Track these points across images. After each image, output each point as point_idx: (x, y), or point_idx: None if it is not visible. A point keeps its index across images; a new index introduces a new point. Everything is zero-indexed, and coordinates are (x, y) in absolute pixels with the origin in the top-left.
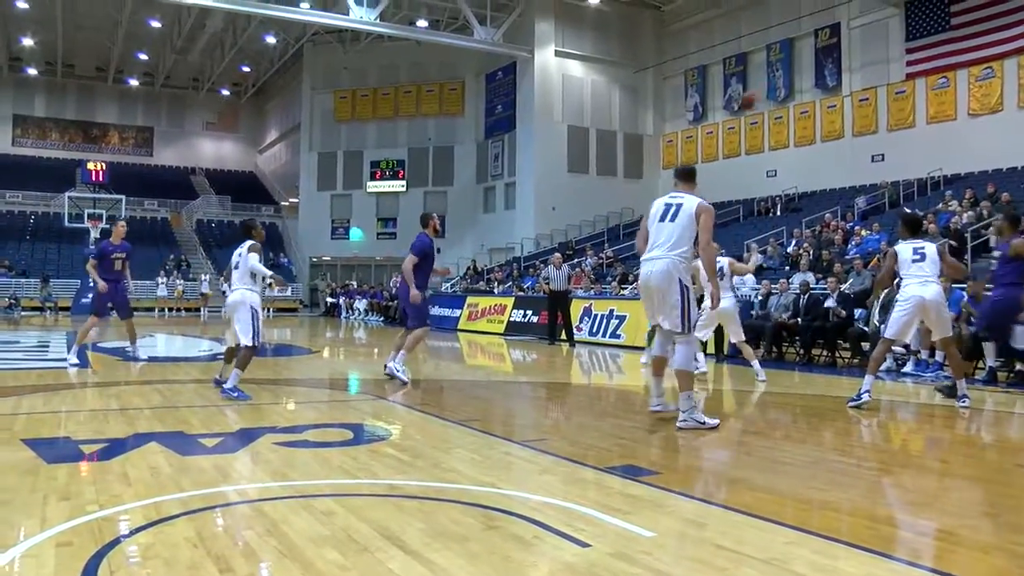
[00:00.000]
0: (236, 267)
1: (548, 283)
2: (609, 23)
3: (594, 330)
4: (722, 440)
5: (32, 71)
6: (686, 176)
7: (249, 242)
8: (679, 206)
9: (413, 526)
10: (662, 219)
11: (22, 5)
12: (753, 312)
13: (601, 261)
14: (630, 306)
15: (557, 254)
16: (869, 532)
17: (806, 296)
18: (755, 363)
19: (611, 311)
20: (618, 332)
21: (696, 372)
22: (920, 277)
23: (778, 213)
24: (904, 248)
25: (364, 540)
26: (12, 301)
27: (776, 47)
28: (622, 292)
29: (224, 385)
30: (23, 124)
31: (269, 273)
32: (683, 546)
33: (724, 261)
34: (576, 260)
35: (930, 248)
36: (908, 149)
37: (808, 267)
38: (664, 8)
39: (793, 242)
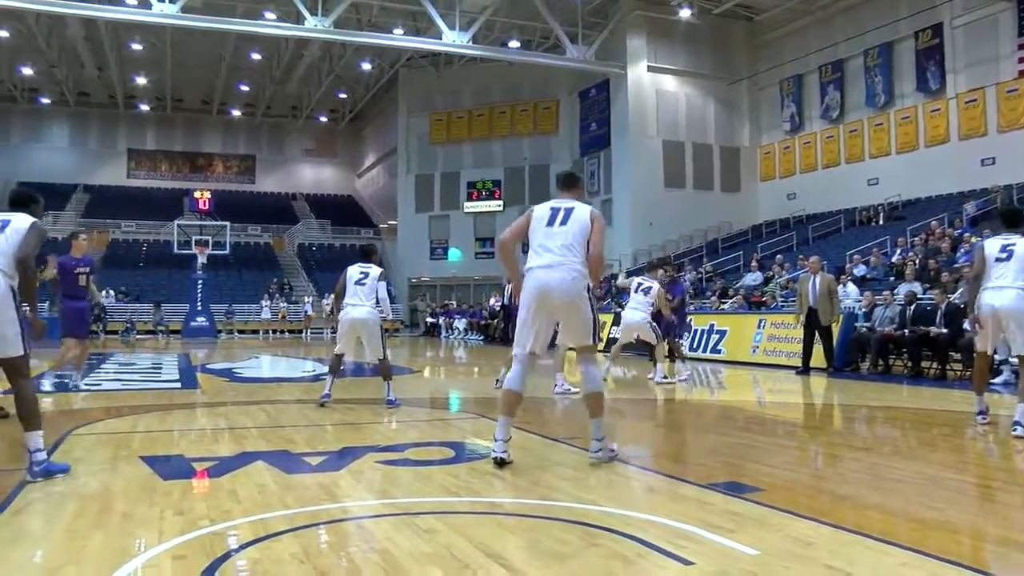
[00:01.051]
0: (359, 284)
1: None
2: (701, 36)
3: (694, 345)
4: (828, 456)
5: (144, 107)
6: (572, 183)
7: (379, 269)
8: (569, 211)
9: (514, 544)
10: (550, 223)
11: (136, 47)
12: (857, 324)
13: (700, 276)
14: (730, 320)
15: (659, 270)
16: (990, 555)
17: (912, 307)
18: (659, 366)
19: (711, 326)
20: (719, 347)
21: (678, 381)
22: (998, 280)
23: (881, 222)
24: (991, 244)
25: (466, 557)
26: (128, 325)
27: (874, 52)
28: (722, 306)
29: (388, 398)
30: (136, 157)
31: (391, 311)
32: (789, 565)
33: (653, 284)
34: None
35: (1021, 245)
36: (1022, 151)
37: (914, 276)
38: (756, 18)
39: (897, 251)
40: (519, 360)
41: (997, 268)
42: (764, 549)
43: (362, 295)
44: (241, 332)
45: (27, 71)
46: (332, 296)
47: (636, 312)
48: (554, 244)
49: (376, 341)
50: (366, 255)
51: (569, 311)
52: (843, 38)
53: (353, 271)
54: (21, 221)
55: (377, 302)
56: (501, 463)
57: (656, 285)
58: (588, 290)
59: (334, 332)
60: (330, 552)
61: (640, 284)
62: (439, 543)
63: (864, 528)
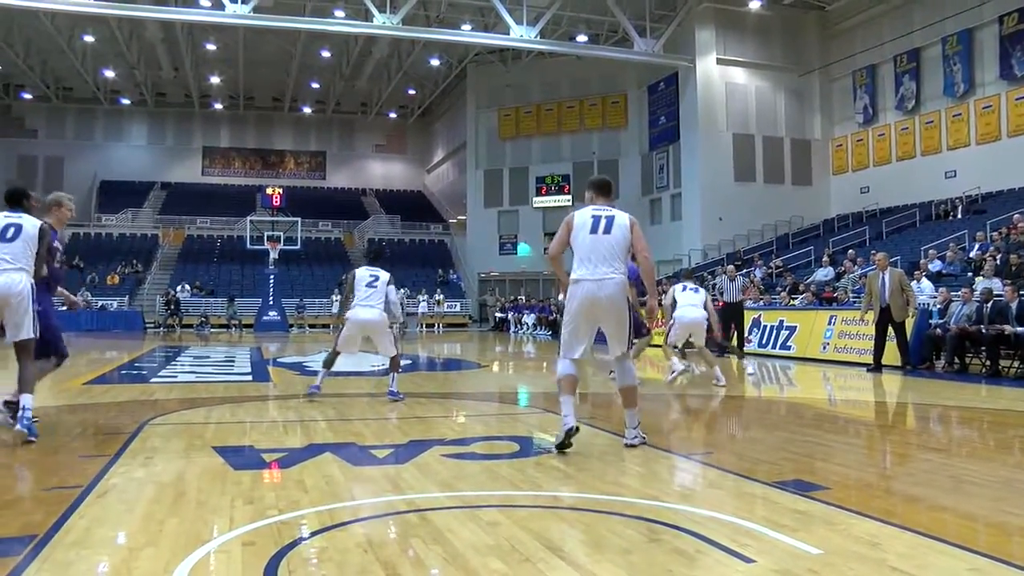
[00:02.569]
0: (369, 286)
1: (722, 295)
2: (771, 27)
3: (764, 341)
4: (900, 456)
5: (218, 106)
6: (608, 189)
7: (388, 274)
8: (610, 219)
9: (576, 537)
10: (593, 231)
11: (210, 47)
12: (932, 322)
13: (771, 271)
14: (801, 316)
15: (730, 265)
16: None
17: (989, 304)
18: (715, 369)
19: (781, 322)
20: (788, 343)
21: (686, 372)
22: None
23: (959, 216)
24: None
25: (527, 550)
26: (203, 319)
27: (953, 39)
28: (792, 303)
29: (391, 389)
30: (210, 155)
31: (400, 314)
32: (853, 566)
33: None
34: (745, 270)
35: None
36: None
37: (993, 272)
38: (828, 8)
39: (976, 246)
40: (566, 360)
41: None
42: (828, 549)
43: (373, 297)
44: (312, 326)
45: (109, 73)
46: (340, 297)
47: (695, 309)
48: (599, 255)
49: (387, 340)
50: (376, 257)
51: (614, 320)
52: (920, 26)
53: (362, 273)
54: (32, 226)
55: (387, 305)
56: (576, 430)
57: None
58: (628, 301)
59: (338, 330)
60: (394, 542)
61: (686, 287)
62: (501, 536)
63: (933, 530)
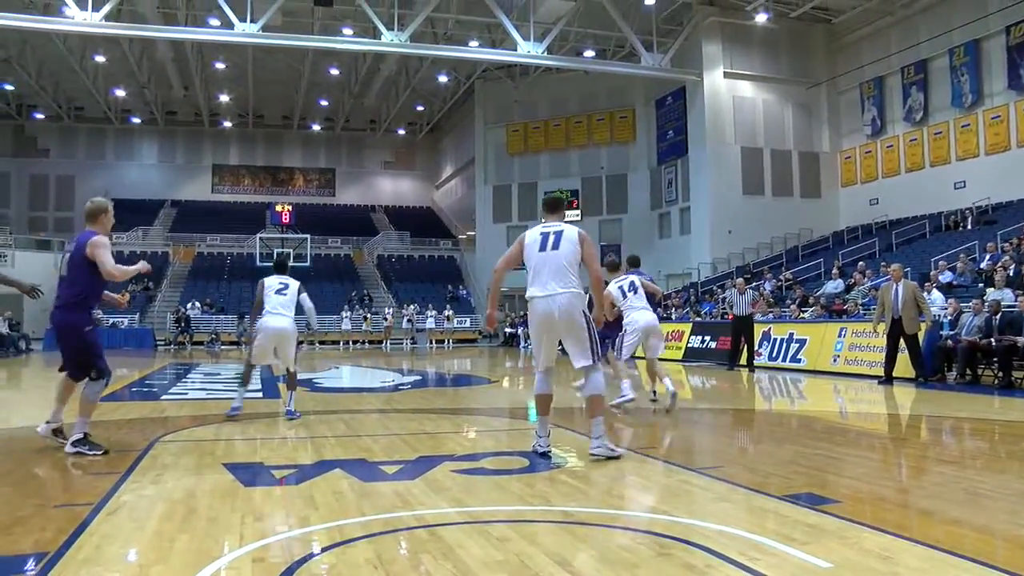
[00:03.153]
0: (279, 294)
1: (731, 308)
2: (778, 40)
3: (774, 354)
4: (912, 469)
5: (228, 124)
6: (556, 206)
7: (297, 282)
8: (559, 234)
9: (585, 553)
10: (542, 248)
11: (220, 66)
12: (942, 333)
13: (780, 284)
14: (811, 329)
15: (740, 279)
16: None
17: (998, 316)
18: (666, 380)
19: (791, 335)
20: (799, 356)
21: (623, 401)
22: None
23: (969, 227)
24: None
25: (537, 566)
26: (213, 336)
27: (960, 50)
28: (802, 315)
29: (288, 408)
30: (220, 172)
31: (316, 322)
32: None
33: (635, 279)
34: (755, 284)
35: None
36: None
37: (1004, 283)
38: (835, 21)
39: (987, 257)
40: (542, 373)
41: None
42: (839, 562)
43: (284, 306)
44: (322, 343)
45: (120, 93)
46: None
47: (647, 312)
48: (549, 271)
49: (290, 351)
50: (281, 268)
51: (570, 334)
52: (926, 37)
53: (272, 282)
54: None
55: (301, 313)
56: (545, 455)
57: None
58: (584, 313)
59: (249, 345)
60: (403, 558)
61: (620, 286)
62: (511, 551)
63: (946, 544)
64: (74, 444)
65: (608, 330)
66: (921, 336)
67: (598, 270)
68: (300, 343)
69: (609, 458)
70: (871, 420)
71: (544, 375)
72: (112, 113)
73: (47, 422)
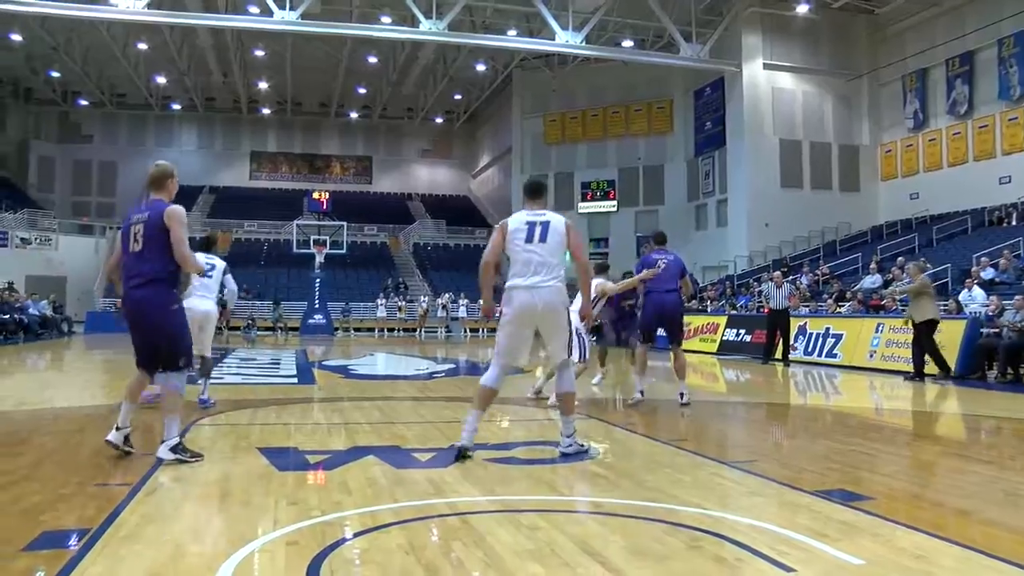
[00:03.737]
0: (206, 275)
1: (768, 301)
2: (819, 31)
3: (809, 349)
4: (949, 468)
5: (266, 111)
6: (537, 192)
7: (223, 263)
8: (545, 224)
9: (615, 543)
10: (528, 239)
11: (259, 53)
12: (983, 330)
13: (817, 278)
14: (847, 324)
15: (777, 272)
16: None
17: None
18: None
19: (827, 329)
20: (835, 351)
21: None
22: None
23: (1013, 222)
24: None
25: (566, 555)
26: (249, 322)
27: (1009, 41)
28: (839, 310)
29: (202, 397)
30: (258, 159)
31: (234, 302)
32: None
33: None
34: (791, 277)
35: None
36: None
37: None
38: (878, 11)
39: None
40: (501, 367)
41: None
42: (870, 559)
43: (209, 287)
44: (357, 330)
45: (161, 80)
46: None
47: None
48: (534, 262)
49: (210, 335)
50: (209, 246)
51: (550, 327)
52: (973, 28)
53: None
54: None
55: (223, 293)
56: (464, 453)
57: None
58: (566, 308)
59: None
60: (435, 545)
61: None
62: (541, 540)
63: (984, 546)
64: (173, 450)
65: (622, 320)
66: (956, 334)
67: (586, 261)
68: (234, 327)
69: (578, 453)
70: (907, 417)
71: (501, 370)
72: (153, 100)
73: (117, 428)
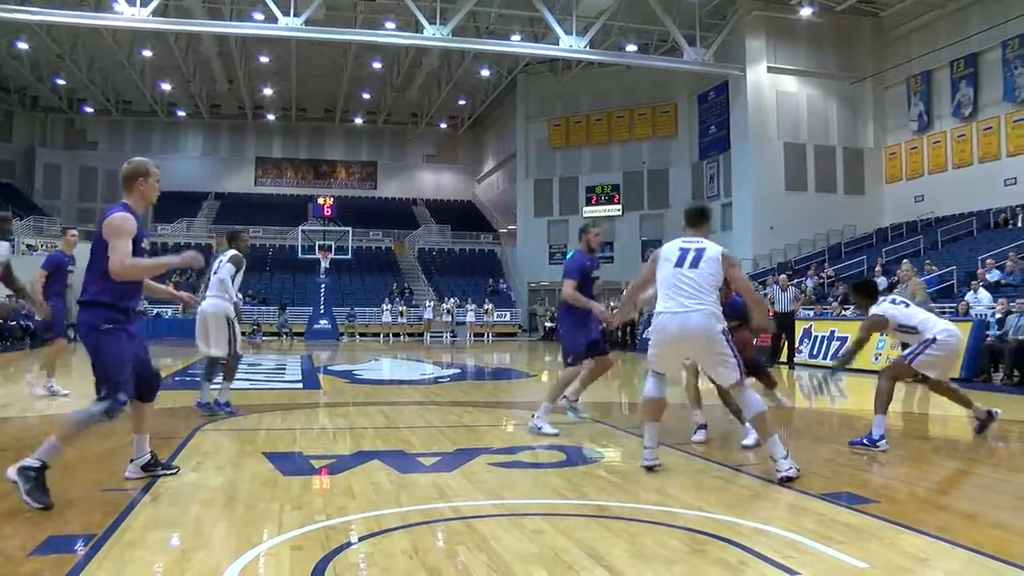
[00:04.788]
0: (214, 273)
1: (773, 304)
2: (823, 34)
3: (814, 352)
4: (955, 472)
5: (271, 117)
6: (699, 220)
7: (231, 252)
8: (700, 251)
9: (619, 547)
10: (679, 264)
11: (263, 60)
12: (988, 333)
13: (822, 281)
14: (852, 327)
15: (783, 275)
16: None
17: None
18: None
19: (832, 332)
20: (840, 354)
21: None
22: None
23: (1019, 224)
24: None
25: (570, 559)
26: (254, 327)
27: (1015, 42)
28: (844, 313)
29: (220, 401)
30: (263, 165)
31: (235, 294)
32: None
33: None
34: (796, 280)
35: None
36: None
37: None
38: (882, 14)
39: None
40: (654, 376)
41: None
42: (875, 563)
43: (213, 286)
44: (362, 335)
45: (166, 86)
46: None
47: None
48: (683, 288)
49: (220, 334)
50: (231, 240)
51: (705, 353)
52: (977, 30)
53: (213, 264)
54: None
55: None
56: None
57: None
58: (723, 331)
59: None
60: (439, 549)
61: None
62: (545, 544)
63: (990, 549)
64: (19, 471)
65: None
66: (966, 335)
67: (748, 286)
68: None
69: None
70: (913, 420)
71: (659, 378)
72: (158, 107)
73: (132, 460)
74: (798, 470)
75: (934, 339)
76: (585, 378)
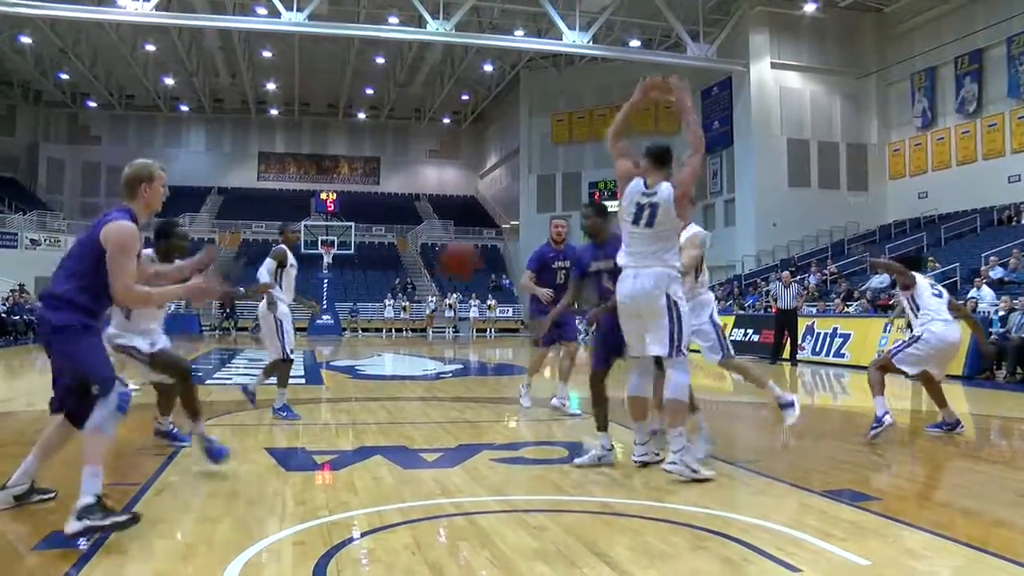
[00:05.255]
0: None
1: (775, 301)
2: (826, 30)
3: (817, 349)
4: (957, 469)
5: (274, 112)
6: (663, 159)
7: (276, 247)
8: (654, 206)
9: (622, 543)
10: (635, 222)
11: (266, 54)
12: (991, 331)
13: (825, 277)
14: (855, 324)
15: (786, 272)
16: None
17: None
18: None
19: (835, 329)
20: (842, 351)
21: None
22: None
23: (1023, 221)
24: None
25: (573, 555)
26: (257, 322)
27: (1020, 39)
28: (846, 309)
29: (276, 406)
30: (266, 160)
31: (266, 281)
32: None
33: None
34: (799, 277)
35: None
36: None
37: None
38: (886, 9)
39: None
40: (635, 363)
41: None
42: (877, 560)
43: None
44: (365, 330)
45: (169, 81)
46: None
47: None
48: (635, 246)
49: (270, 335)
50: (280, 235)
51: (648, 316)
52: (983, 26)
53: None
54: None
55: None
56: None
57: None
58: (668, 296)
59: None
60: (441, 545)
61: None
62: (548, 540)
63: (992, 546)
64: (81, 515)
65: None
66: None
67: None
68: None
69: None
70: (916, 418)
71: (639, 371)
72: (161, 101)
73: (2, 487)
74: (694, 471)
75: (919, 337)
76: (564, 372)
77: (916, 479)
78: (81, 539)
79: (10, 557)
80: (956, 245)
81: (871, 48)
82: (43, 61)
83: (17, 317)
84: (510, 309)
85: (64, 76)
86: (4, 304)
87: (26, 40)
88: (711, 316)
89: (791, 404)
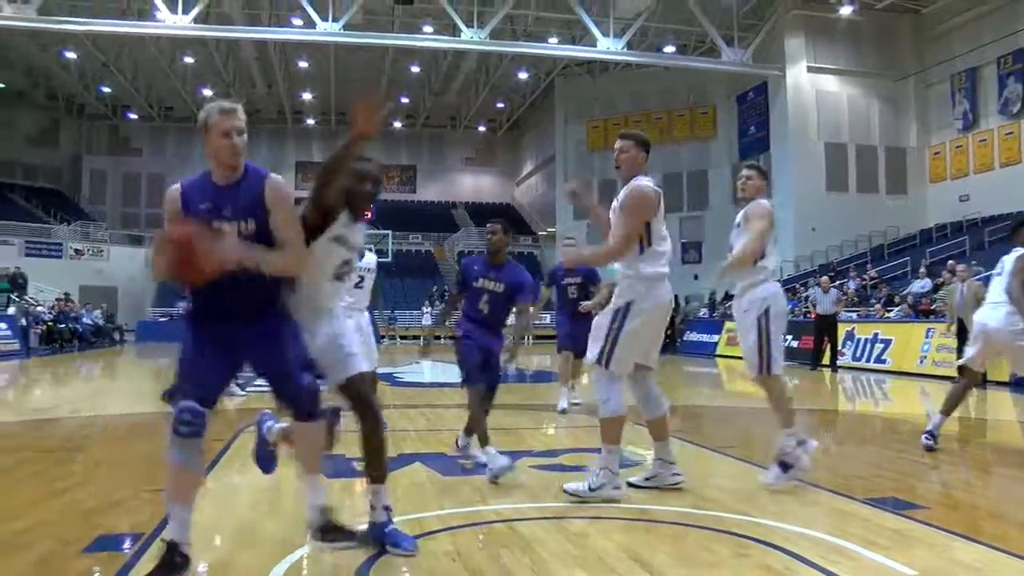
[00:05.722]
0: (357, 287)
1: (815, 307)
2: (863, 33)
3: (858, 355)
4: (1009, 478)
5: (310, 121)
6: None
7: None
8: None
9: (662, 550)
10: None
11: (302, 64)
12: None
13: (865, 282)
14: (896, 329)
15: (824, 277)
16: None
17: None
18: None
19: (875, 335)
20: (883, 357)
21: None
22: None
23: None
24: None
25: (613, 562)
26: None
27: None
28: (887, 315)
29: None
30: (304, 170)
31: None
32: None
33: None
34: (839, 282)
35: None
36: None
37: None
38: (924, 11)
39: None
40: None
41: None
42: (923, 570)
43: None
44: (403, 338)
45: (207, 92)
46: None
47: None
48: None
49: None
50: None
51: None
52: None
53: None
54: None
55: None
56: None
57: None
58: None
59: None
60: (481, 552)
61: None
62: (587, 547)
63: None
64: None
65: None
66: None
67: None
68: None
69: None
70: (963, 424)
71: (633, 383)
72: (199, 112)
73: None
74: (593, 489)
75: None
76: (564, 376)
77: (964, 488)
78: None
79: (61, 559)
80: (1000, 248)
81: (909, 50)
82: (86, 75)
83: (63, 325)
84: (547, 316)
85: (106, 89)
86: (51, 313)
87: (71, 55)
88: (758, 319)
89: (784, 467)
